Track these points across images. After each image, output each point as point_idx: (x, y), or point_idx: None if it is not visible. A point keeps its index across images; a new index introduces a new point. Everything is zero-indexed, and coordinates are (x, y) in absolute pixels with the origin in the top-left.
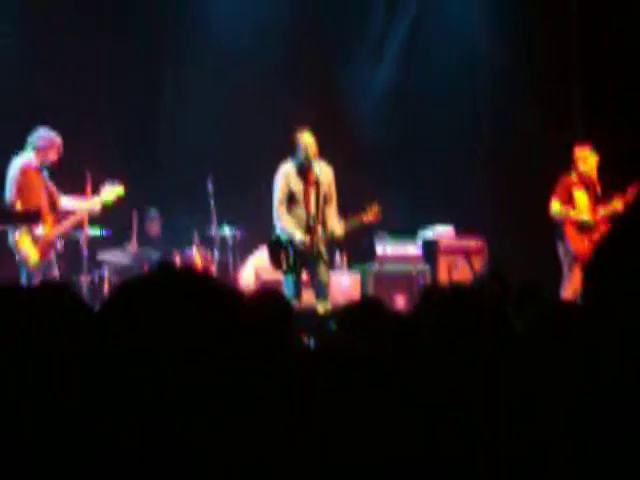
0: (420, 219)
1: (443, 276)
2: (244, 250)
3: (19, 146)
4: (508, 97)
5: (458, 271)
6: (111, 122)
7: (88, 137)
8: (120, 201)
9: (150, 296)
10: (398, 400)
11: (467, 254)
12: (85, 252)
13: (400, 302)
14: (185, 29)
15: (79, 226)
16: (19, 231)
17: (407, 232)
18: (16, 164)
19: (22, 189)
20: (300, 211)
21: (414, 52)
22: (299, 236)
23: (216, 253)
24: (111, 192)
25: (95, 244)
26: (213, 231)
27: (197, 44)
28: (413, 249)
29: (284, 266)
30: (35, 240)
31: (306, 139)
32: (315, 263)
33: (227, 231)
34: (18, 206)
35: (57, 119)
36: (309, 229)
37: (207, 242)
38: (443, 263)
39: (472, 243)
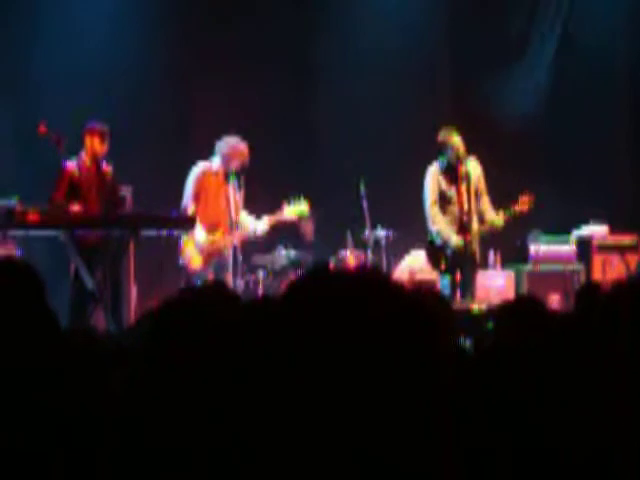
0: (574, 217)
1: (598, 275)
2: (397, 252)
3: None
4: None
5: (613, 269)
6: (268, 133)
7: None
8: (306, 219)
9: (316, 299)
10: (561, 399)
11: (622, 252)
12: (240, 256)
13: (554, 301)
14: (335, 36)
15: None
16: (187, 235)
17: (561, 231)
18: (194, 171)
19: (198, 192)
20: (453, 209)
21: (565, 54)
22: (454, 240)
23: (370, 255)
24: (293, 210)
25: (250, 247)
26: (366, 233)
27: (347, 52)
28: (567, 248)
29: (442, 266)
30: (200, 246)
31: (455, 139)
32: (467, 263)
33: (380, 233)
34: (192, 209)
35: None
36: (463, 227)
37: (360, 244)
38: (597, 262)
39: (627, 241)
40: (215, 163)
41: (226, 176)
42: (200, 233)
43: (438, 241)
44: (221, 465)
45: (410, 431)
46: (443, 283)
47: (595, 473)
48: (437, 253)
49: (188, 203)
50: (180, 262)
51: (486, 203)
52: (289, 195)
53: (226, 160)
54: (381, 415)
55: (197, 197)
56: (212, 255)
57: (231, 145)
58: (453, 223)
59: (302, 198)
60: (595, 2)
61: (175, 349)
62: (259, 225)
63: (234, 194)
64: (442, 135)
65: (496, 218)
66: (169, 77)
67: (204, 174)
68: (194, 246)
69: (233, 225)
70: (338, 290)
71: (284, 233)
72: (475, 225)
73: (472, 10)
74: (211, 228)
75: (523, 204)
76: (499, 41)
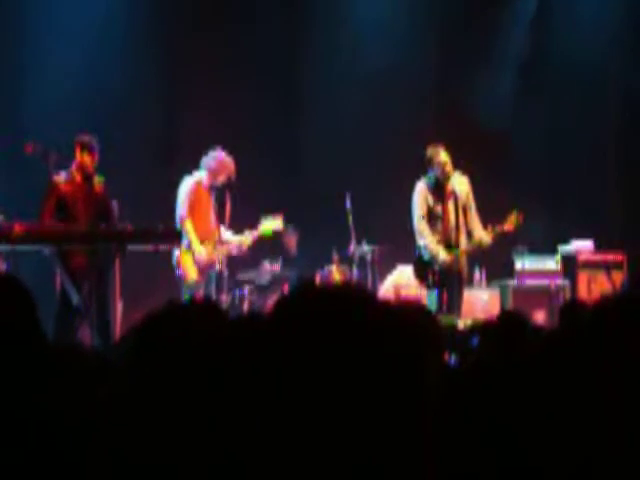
0: (559, 234)
1: (583, 291)
2: (383, 268)
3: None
4: None
5: (598, 287)
6: (254, 148)
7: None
8: (280, 234)
9: (304, 315)
10: (546, 416)
11: (607, 268)
12: (225, 272)
13: (539, 318)
14: (320, 51)
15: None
16: (182, 248)
17: (546, 248)
18: (188, 182)
19: (193, 206)
20: (440, 226)
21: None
22: (442, 256)
23: (355, 271)
24: (269, 225)
25: (235, 263)
26: (352, 249)
27: (332, 67)
28: (552, 264)
29: (430, 282)
30: (195, 259)
31: (442, 157)
32: (454, 280)
33: (365, 248)
34: (189, 224)
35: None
36: (450, 244)
37: (345, 260)
38: (583, 278)
39: (612, 257)
40: (203, 177)
41: (211, 190)
42: (198, 245)
43: (426, 256)
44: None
45: (394, 444)
46: (430, 299)
47: None
48: (425, 268)
49: (184, 214)
50: (176, 273)
51: (474, 220)
52: (265, 211)
53: (213, 174)
54: (366, 427)
55: (192, 209)
56: (207, 268)
57: (218, 160)
58: (441, 240)
59: (273, 215)
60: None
61: (159, 364)
62: (244, 239)
63: (227, 209)
64: (429, 152)
65: (484, 236)
66: (154, 91)
67: (198, 185)
68: (191, 258)
69: (220, 239)
70: (324, 307)
71: (267, 248)
72: (463, 242)
73: (458, 24)
74: (203, 241)
75: (511, 222)
76: (487, 55)
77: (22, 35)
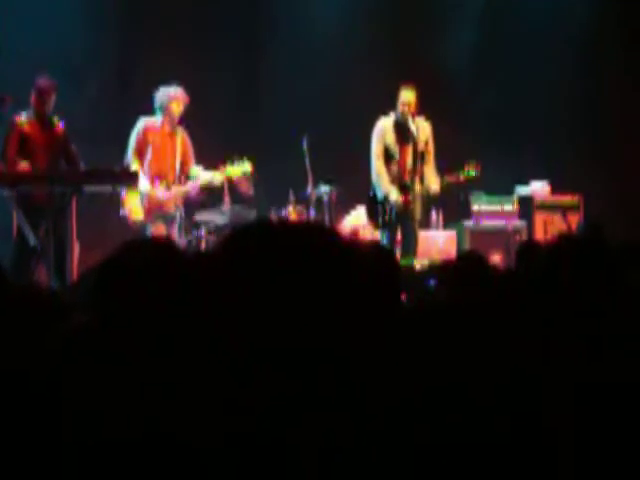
0: (516, 176)
1: (539, 233)
2: (340, 209)
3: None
4: (605, 51)
5: (554, 228)
6: (212, 86)
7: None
8: (248, 178)
9: (261, 244)
10: (503, 355)
11: (563, 211)
12: (182, 213)
13: (496, 259)
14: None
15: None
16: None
17: (503, 189)
18: (137, 124)
19: (141, 147)
20: (395, 167)
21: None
22: (394, 195)
23: (312, 212)
24: (237, 168)
25: (191, 205)
26: (309, 190)
27: (293, 9)
28: (509, 206)
29: (379, 222)
30: (142, 198)
31: (405, 95)
32: (407, 221)
33: (323, 190)
34: (135, 164)
35: None
36: (404, 186)
37: (303, 201)
38: (539, 220)
39: (568, 199)
40: (158, 117)
41: (172, 128)
42: (144, 184)
43: (379, 195)
44: (155, 422)
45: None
46: (381, 239)
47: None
48: (376, 207)
49: (130, 158)
50: (121, 213)
51: (429, 167)
52: (231, 152)
53: (165, 108)
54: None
55: (140, 152)
56: (154, 207)
57: (167, 93)
58: (394, 180)
59: (245, 158)
60: None
61: (119, 303)
62: (215, 176)
63: (183, 147)
64: (399, 89)
65: (433, 185)
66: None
67: (147, 129)
68: (136, 198)
69: (180, 178)
70: (279, 237)
71: (221, 192)
72: (417, 186)
73: None
74: (155, 181)
75: (464, 173)
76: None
77: None
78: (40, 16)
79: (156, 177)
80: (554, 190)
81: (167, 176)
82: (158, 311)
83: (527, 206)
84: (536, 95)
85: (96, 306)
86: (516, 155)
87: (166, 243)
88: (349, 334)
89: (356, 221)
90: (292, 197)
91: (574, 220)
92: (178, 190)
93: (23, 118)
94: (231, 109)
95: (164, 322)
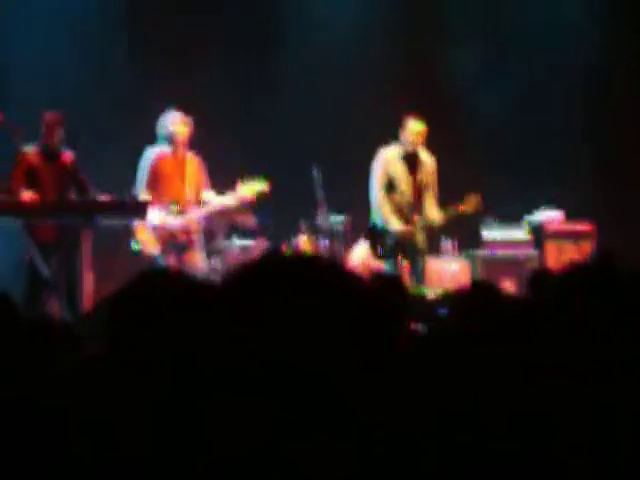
0: (528, 204)
1: (551, 261)
2: (352, 239)
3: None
4: (615, 78)
5: (567, 256)
6: (224, 116)
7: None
8: (264, 196)
9: (270, 280)
10: (515, 384)
11: (576, 238)
12: (202, 240)
13: (509, 287)
14: (288, 20)
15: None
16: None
17: (515, 217)
18: (145, 154)
19: (152, 178)
20: (398, 198)
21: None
22: (395, 225)
23: (324, 242)
24: (251, 187)
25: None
26: (320, 220)
27: (301, 35)
28: (521, 234)
29: (380, 253)
30: (154, 228)
31: (415, 126)
32: (412, 251)
33: (335, 220)
34: (145, 195)
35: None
36: (406, 217)
37: (314, 231)
38: (551, 247)
39: (580, 227)
40: (165, 146)
41: (181, 154)
42: (154, 215)
43: (380, 225)
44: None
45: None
46: (385, 269)
47: (546, 455)
48: (375, 238)
49: (141, 189)
50: (134, 247)
51: (430, 200)
52: (244, 177)
53: (169, 135)
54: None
55: (150, 182)
56: (166, 238)
57: (167, 120)
58: (396, 211)
59: (260, 177)
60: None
61: (132, 335)
62: (227, 199)
63: (194, 173)
64: (405, 120)
65: (436, 217)
66: (123, 66)
67: (155, 158)
68: (147, 230)
69: (193, 205)
70: (287, 272)
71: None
72: (419, 217)
73: None
74: (167, 210)
75: (470, 205)
76: (456, 22)
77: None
78: (50, 49)
79: (168, 206)
80: (567, 217)
81: (179, 204)
82: (171, 342)
83: (539, 234)
84: (550, 120)
85: (109, 337)
86: (529, 182)
87: (179, 274)
88: (358, 365)
89: (365, 251)
90: (304, 226)
91: (587, 248)
92: (189, 218)
93: (30, 151)
94: (243, 139)
95: (177, 353)
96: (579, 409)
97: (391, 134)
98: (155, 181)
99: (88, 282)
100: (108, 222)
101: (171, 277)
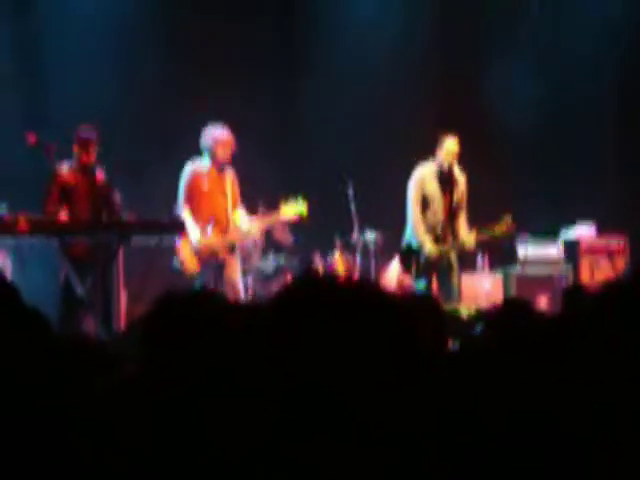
0: (562, 219)
1: (585, 277)
2: (386, 256)
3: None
4: None
5: (600, 271)
6: (255, 132)
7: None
8: (302, 219)
9: (306, 303)
10: (547, 401)
11: (609, 254)
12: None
13: (543, 303)
14: (322, 35)
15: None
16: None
17: (549, 233)
18: (185, 170)
19: (191, 192)
20: (430, 216)
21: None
22: (429, 247)
23: (358, 259)
24: (293, 208)
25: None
26: (355, 236)
27: (334, 51)
28: (554, 250)
29: (414, 272)
30: (195, 247)
31: (451, 144)
32: (445, 270)
33: (369, 236)
34: (186, 212)
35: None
36: (437, 236)
37: (349, 248)
38: (585, 263)
39: (614, 242)
40: (206, 160)
41: (220, 169)
42: (195, 234)
43: (414, 244)
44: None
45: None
46: (417, 289)
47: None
48: (410, 257)
49: (181, 204)
50: (174, 263)
51: (461, 219)
52: (278, 196)
53: (212, 152)
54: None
55: (191, 197)
56: (207, 257)
57: (211, 136)
58: (429, 230)
59: (299, 197)
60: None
61: (166, 354)
62: (251, 231)
63: (232, 189)
64: (441, 138)
65: (468, 238)
66: (157, 81)
67: (195, 173)
68: (189, 248)
69: (230, 223)
70: (324, 299)
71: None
72: (451, 237)
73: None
74: (208, 227)
75: (503, 227)
76: (489, 40)
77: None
78: (82, 67)
79: (209, 222)
80: (600, 232)
81: (220, 220)
82: (205, 361)
83: (573, 250)
84: (583, 136)
85: (144, 357)
86: (562, 197)
87: (211, 293)
88: (395, 386)
89: (399, 269)
90: (338, 243)
91: (620, 264)
92: (229, 238)
93: (64, 169)
94: (275, 155)
95: (211, 372)
96: (611, 426)
97: (426, 150)
98: (195, 197)
99: (122, 301)
100: (142, 242)
101: (201, 297)
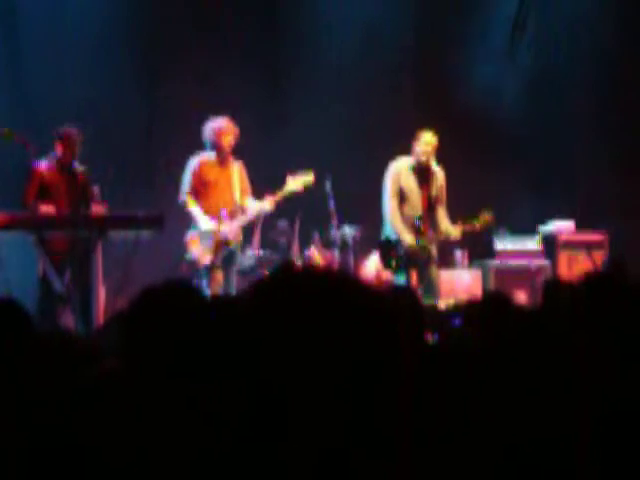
0: (540, 214)
1: (563, 271)
2: (364, 251)
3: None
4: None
5: (579, 266)
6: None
7: None
8: (306, 190)
9: (283, 295)
10: (527, 394)
11: (588, 248)
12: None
13: (521, 298)
14: (300, 30)
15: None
16: (190, 231)
17: (527, 227)
18: (192, 159)
19: (197, 184)
20: (408, 210)
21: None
22: (408, 239)
23: (336, 254)
24: (298, 182)
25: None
26: (333, 232)
27: (311, 47)
28: (533, 244)
29: (393, 265)
30: (207, 238)
31: (428, 138)
32: (424, 264)
33: (347, 231)
34: (190, 202)
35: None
36: (416, 229)
37: (327, 243)
38: (563, 258)
39: (593, 237)
40: (211, 152)
41: (225, 161)
42: (208, 224)
43: (392, 237)
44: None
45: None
46: (397, 282)
47: (557, 460)
48: (388, 251)
49: (184, 197)
50: (189, 258)
51: (442, 212)
52: (260, 191)
53: (215, 144)
54: (342, 410)
55: (197, 190)
56: (220, 245)
57: (212, 128)
58: (407, 224)
59: (308, 170)
60: None
61: (145, 348)
62: (264, 205)
63: (239, 179)
64: (418, 133)
65: (451, 228)
66: (141, 75)
67: (201, 165)
68: (200, 241)
69: (238, 212)
70: (303, 288)
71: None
72: (429, 230)
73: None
74: (220, 217)
75: (483, 221)
76: (467, 35)
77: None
78: (67, 65)
79: (217, 213)
80: (579, 227)
81: (229, 210)
82: (184, 355)
83: (551, 244)
84: (563, 132)
85: (123, 351)
86: (541, 192)
87: (188, 287)
88: (372, 377)
89: (377, 263)
90: (316, 238)
91: (599, 258)
92: (244, 218)
93: (43, 165)
94: (253, 147)
95: (191, 366)
96: (594, 417)
97: (403, 146)
98: (201, 188)
99: (101, 296)
100: (120, 237)
101: (179, 291)
